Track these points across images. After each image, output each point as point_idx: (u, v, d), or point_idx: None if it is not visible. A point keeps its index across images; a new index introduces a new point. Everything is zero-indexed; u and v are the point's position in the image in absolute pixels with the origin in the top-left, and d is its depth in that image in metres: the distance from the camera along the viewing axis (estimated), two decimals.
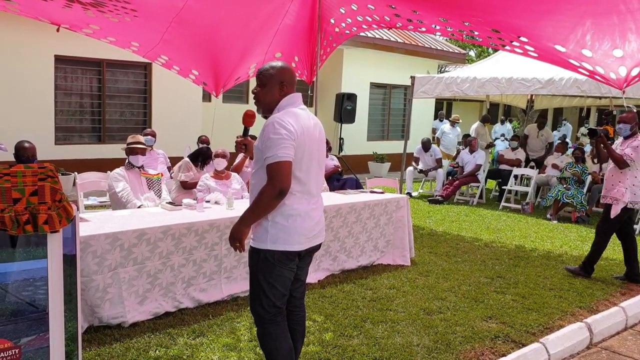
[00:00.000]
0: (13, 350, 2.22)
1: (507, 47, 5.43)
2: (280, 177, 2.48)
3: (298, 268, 2.76)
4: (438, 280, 5.11)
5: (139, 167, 5.38)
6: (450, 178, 10.32)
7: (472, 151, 10.17)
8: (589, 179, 8.85)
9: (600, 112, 16.48)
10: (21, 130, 8.21)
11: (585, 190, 8.73)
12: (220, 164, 5.67)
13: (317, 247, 2.81)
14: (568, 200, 8.40)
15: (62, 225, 2.26)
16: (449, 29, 5.71)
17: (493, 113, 19.28)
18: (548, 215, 8.64)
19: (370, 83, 13.95)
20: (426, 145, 10.67)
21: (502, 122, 16.05)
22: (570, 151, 10.17)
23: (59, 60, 9.08)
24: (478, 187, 10.09)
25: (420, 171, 10.65)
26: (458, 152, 11.30)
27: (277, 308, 2.69)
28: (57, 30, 5.70)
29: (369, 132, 14.10)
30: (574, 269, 5.48)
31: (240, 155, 6.61)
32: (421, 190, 11.02)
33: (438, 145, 12.05)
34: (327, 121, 12.09)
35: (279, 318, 2.72)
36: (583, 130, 15.36)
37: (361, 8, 5.98)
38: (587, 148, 10.92)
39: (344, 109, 12.18)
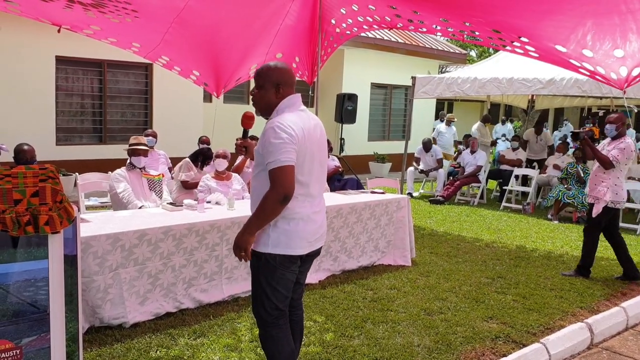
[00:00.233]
0: (14, 351, 2.22)
1: (508, 48, 5.42)
2: (283, 183, 2.43)
3: (299, 272, 2.75)
4: (439, 281, 5.11)
5: (140, 168, 5.39)
6: (451, 178, 10.33)
7: (472, 151, 10.18)
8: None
9: (590, 113, 16.44)
10: (22, 130, 8.23)
11: (586, 190, 8.72)
12: (221, 164, 5.67)
13: (318, 252, 2.80)
14: (569, 201, 8.40)
15: (63, 226, 2.27)
16: (449, 29, 5.70)
17: (494, 113, 19.29)
18: (549, 216, 8.64)
19: (371, 83, 13.96)
20: (427, 146, 10.67)
21: (503, 123, 16.06)
22: (571, 151, 10.17)
23: (60, 60, 9.09)
24: (479, 187, 10.09)
25: (421, 171, 10.65)
26: (459, 152, 11.30)
27: (279, 310, 2.68)
28: (59, 31, 5.70)
29: (369, 132, 14.10)
30: (570, 274, 5.51)
31: (241, 156, 6.61)
32: (422, 191, 11.02)
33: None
34: (328, 121, 12.10)
35: (281, 321, 2.71)
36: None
37: (362, 8, 5.98)
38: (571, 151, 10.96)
39: (345, 109, 12.19)
